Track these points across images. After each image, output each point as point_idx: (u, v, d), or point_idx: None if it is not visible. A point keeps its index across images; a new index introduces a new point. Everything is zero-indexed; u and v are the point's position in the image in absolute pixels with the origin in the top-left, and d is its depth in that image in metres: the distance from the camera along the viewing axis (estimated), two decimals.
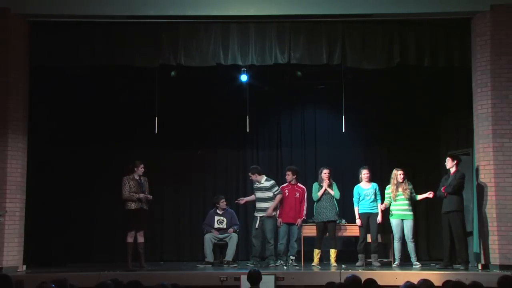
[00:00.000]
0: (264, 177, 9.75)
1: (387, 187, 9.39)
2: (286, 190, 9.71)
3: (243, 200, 10.10)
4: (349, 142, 11.25)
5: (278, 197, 9.59)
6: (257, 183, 9.70)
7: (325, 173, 9.56)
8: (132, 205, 9.08)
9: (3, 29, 8.86)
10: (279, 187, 9.71)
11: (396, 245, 9.26)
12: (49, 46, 9.08)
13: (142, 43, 9.10)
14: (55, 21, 9.05)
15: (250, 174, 9.80)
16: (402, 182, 9.24)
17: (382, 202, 9.40)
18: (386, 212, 9.42)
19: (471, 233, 9.34)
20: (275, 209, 9.58)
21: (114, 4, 8.93)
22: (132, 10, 8.95)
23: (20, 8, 8.92)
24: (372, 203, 9.36)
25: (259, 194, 9.66)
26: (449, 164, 9.00)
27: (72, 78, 10.19)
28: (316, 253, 9.49)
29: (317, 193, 9.53)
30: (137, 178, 9.21)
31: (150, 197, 9.28)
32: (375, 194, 9.39)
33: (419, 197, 9.33)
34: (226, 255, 9.69)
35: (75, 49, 9.07)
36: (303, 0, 8.97)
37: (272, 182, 9.73)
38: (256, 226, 9.60)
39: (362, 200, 9.41)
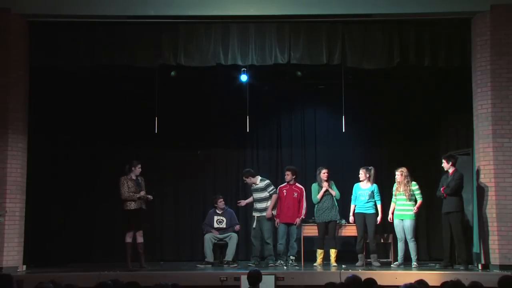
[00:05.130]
0: (259, 178, 9.78)
1: (394, 184, 9.42)
2: (284, 190, 9.71)
3: (243, 202, 10.09)
4: (349, 142, 11.26)
5: (274, 196, 9.60)
6: (253, 184, 9.71)
7: (323, 173, 9.56)
8: (132, 205, 9.07)
9: (3, 29, 8.87)
10: (274, 186, 9.74)
11: (398, 245, 9.27)
12: (49, 46, 9.09)
13: (142, 43, 9.10)
14: (55, 21, 9.06)
15: (244, 178, 9.82)
16: (401, 182, 9.24)
17: (381, 203, 9.43)
18: (386, 213, 9.42)
19: (471, 233, 9.34)
20: (273, 209, 9.59)
21: (114, 4, 8.93)
22: (132, 10, 8.95)
23: (20, 8, 8.92)
24: (366, 204, 9.34)
25: (255, 195, 9.70)
26: (446, 165, 8.99)
27: (72, 78, 10.18)
28: (319, 253, 9.50)
29: (316, 196, 9.54)
30: (134, 178, 9.20)
31: (150, 197, 9.28)
32: (372, 195, 9.37)
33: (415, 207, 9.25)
34: (226, 255, 9.70)
35: (75, 49, 9.07)
36: (303, 0, 8.97)
37: (267, 182, 9.75)
38: (254, 226, 9.64)
39: (358, 199, 9.43)
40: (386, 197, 9.64)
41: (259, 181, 9.72)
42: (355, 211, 9.44)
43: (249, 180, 9.73)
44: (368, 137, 11.37)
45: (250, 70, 10.08)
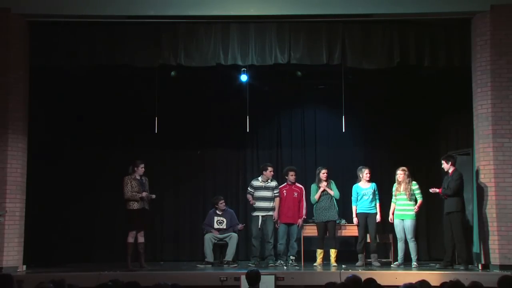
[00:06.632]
0: None
1: (394, 185, 9.40)
2: (284, 190, 9.72)
3: (252, 200, 9.81)
4: (349, 142, 11.25)
5: (278, 199, 9.67)
6: (267, 181, 9.70)
7: (323, 173, 9.57)
8: (135, 205, 9.06)
9: (3, 29, 8.87)
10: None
11: (398, 245, 9.26)
12: (49, 46, 9.09)
13: (142, 43, 9.10)
14: (55, 21, 9.06)
15: (272, 169, 9.74)
16: (403, 182, 9.23)
17: (381, 202, 9.44)
18: (386, 212, 9.42)
19: (471, 233, 9.34)
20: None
21: (114, 4, 8.93)
22: (132, 10, 8.95)
23: (20, 8, 8.92)
24: (370, 203, 9.35)
25: (262, 193, 9.67)
26: (445, 166, 9.00)
27: (72, 78, 10.18)
28: (319, 253, 9.50)
29: (314, 196, 9.56)
30: (138, 178, 9.21)
31: (153, 196, 9.28)
32: (374, 194, 9.38)
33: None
34: (226, 255, 9.69)
35: (75, 49, 9.07)
36: (303, 0, 8.97)
37: (276, 182, 9.79)
38: (259, 226, 9.61)
39: (360, 199, 9.41)
40: (386, 197, 9.63)
41: (270, 180, 9.76)
42: (357, 211, 9.43)
43: (269, 174, 9.67)
44: (368, 137, 11.37)
45: (250, 70, 10.08)
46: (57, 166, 10.34)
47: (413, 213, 9.17)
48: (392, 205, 9.34)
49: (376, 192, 9.42)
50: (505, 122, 8.71)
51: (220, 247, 9.87)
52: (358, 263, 9.22)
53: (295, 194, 9.69)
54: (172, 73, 10.33)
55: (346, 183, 10.12)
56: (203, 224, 10.12)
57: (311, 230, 9.76)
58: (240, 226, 10.08)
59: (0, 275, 5.94)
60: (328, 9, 8.92)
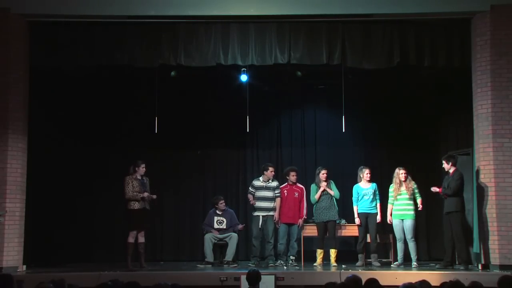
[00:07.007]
0: None
1: (391, 186, 9.39)
2: (285, 190, 9.73)
3: (253, 201, 9.85)
4: (349, 142, 11.26)
5: (279, 200, 9.66)
6: (268, 181, 9.69)
7: (323, 173, 9.56)
8: (136, 205, 9.06)
9: (3, 29, 8.87)
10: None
11: (398, 245, 9.26)
12: (49, 46, 9.08)
13: (142, 43, 9.10)
14: (54, 21, 9.06)
15: (272, 169, 9.76)
16: (404, 181, 9.23)
17: (381, 202, 9.43)
18: (386, 212, 9.42)
19: (471, 233, 9.34)
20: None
21: (114, 4, 8.93)
22: (132, 10, 8.95)
23: (20, 8, 8.92)
24: (371, 203, 9.35)
25: (265, 193, 9.66)
26: (446, 166, 9.00)
27: (72, 79, 10.18)
28: (319, 253, 9.50)
29: (314, 196, 9.55)
30: (139, 178, 9.21)
31: (154, 196, 9.28)
32: (374, 194, 9.39)
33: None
34: (226, 255, 9.69)
35: (74, 49, 9.07)
36: (303, 0, 8.98)
37: (277, 182, 9.78)
38: (260, 226, 9.61)
39: (361, 199, 9.40)
40: (386, 197, 9.63)
41: (271, 180, 9.76)
42: (358, 211, 9.42)
43: (270, 174, 9.68)
44: (368, 137, 11.37)
45: (250, 70, 10.08)
46: (57, 166, 10.33)
47: (413, 213, 9.18)
48: (390, 206, 9.32)
49: (377, 192, 9.43)
50: (505, 122, 8.71)
51: (220, 247, 9.87)
52: (358, 263, 9.22)
53: (296, 194, 9.70)
54: (172, 73, 10.33)
55: (346, 183, 10.11)
56: (203, 224, 10.12)
57: (311, 230, 9.76)
58: (240, 226, 10.08)
59: (0, 275, 5.94)
60: (328, 9, 8.93)
